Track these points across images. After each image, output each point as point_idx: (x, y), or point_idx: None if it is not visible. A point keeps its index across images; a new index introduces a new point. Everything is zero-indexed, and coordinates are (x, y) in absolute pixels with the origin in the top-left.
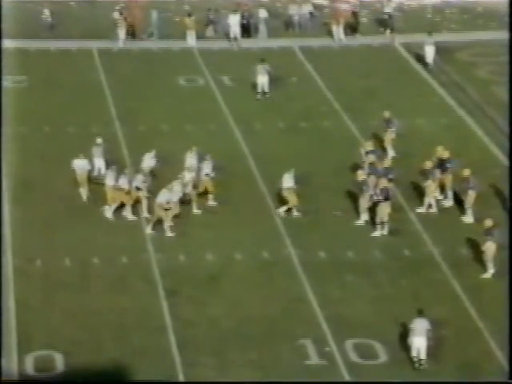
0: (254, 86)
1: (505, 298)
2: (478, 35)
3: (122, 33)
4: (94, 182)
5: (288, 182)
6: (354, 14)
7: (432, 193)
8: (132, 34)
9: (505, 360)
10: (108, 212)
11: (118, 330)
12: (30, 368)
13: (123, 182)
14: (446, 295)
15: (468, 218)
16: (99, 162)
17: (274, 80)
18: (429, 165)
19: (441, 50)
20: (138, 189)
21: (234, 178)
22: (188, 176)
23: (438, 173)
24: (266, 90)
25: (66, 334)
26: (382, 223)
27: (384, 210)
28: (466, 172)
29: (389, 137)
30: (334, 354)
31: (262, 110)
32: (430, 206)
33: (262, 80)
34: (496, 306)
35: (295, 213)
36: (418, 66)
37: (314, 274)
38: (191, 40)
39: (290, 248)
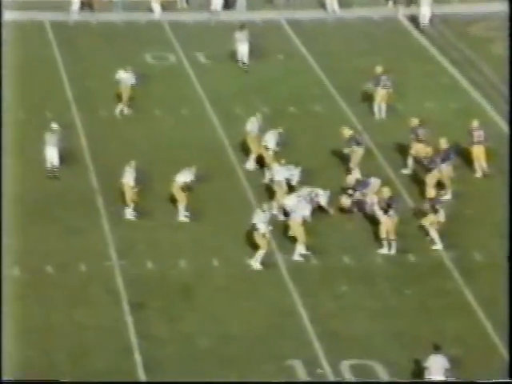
0: (234, 62)
1: None
2: (494, 7)
3: (76, 3)
4: (49, 176)
5: (279, 174)
6: None
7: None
8: (89, 4)
9: None
10: (129, 214)
11: (75, 349)
12: None
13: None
14: (458, 307)
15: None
16: (52, 152)
17: (256, 58)
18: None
19: (452, 23)
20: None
21: (211, 172)
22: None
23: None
24: (246, 60)
25: (15, 355)
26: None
27: (387, 225)
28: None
29: (379, 95)
30: (327, 376)
31: (243, 93)
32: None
33: (242, 49)
34: None
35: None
36: (425, 42)
37: (305, 283)
38: (157, 11)
39: (277, 253)
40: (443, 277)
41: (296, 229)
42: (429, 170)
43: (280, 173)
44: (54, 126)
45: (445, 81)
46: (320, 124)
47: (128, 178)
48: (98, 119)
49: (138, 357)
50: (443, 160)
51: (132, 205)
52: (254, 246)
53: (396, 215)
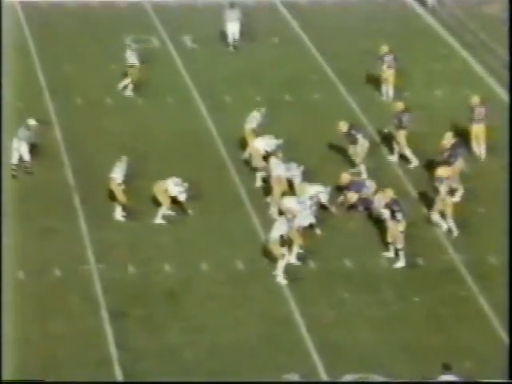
0: (223, 45)
1: None
2: None
3: None
4: (14, 174)
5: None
6: None
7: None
8: None
9: None
10: (119, 214)
11: (49, 362)
12: None
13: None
14: (472, 316)
15: None
16: (22, 147)
17: (249, 41)
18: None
19: (464, 2)
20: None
21: (199, 166)
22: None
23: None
24: (236, 37)
25: None
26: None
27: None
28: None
29: (385, 76)
30: None
31: (234, 79)
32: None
33: (233, 28)
34: None
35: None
36: (434, 23)
37: (302, 289)
38: None
39: (271, 255)
40: (455, 282)
41: (291, 231)
42: (447, 164)
43: (278, 167)
44: (32, 122)
45: (456, 65)
46: (319, 113)
47: (117, 174)
48: (75, 108)
49: (117, 370)
50: (451, 154)
51: (121, 204)
52: (247, 248)
53: (404, 220)
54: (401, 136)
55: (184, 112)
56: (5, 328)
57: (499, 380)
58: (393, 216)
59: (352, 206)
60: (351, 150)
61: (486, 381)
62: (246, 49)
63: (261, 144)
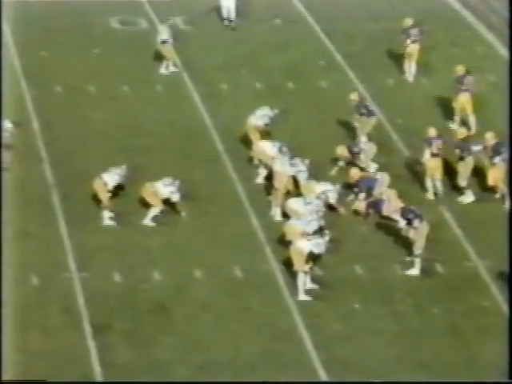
0: (219, 27)
1: None
2: None
3: None
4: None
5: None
6: None
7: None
8: None
9: None
10: (108, 218)
11: (26, 381)
12: None
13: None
14: (497, 329)
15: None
16: None
17: (247, 23)
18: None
19: None
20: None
21: (192, 161)
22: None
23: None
24: (233, 17)
25: None
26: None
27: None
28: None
29: (409, 51)
30: None
31: (231, 65)
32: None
33: (228, 3)
34: None
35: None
36: (456, 4)
37: (307, 299)
38: None
39: (272, 261)
40: (478, 292)
41: (292, 235)
42: (461, 158)
43: (282, 163)
44: (8, 124)
45: (479, 50)
46: (326, 103)
47: (110, 180)
48: (54, 97)
49: None
50: (494, 154)
51: (108, 207)
52: (246, 253)
53: (423, 224)
54: (462, 100)
55: (175, 101)
56: None
57: (499, 380)
58: (409, 224)
59: (364, 214)
60: (357, 121)
61: (485, 381)
62: (244, 30)
63: (268, 144)
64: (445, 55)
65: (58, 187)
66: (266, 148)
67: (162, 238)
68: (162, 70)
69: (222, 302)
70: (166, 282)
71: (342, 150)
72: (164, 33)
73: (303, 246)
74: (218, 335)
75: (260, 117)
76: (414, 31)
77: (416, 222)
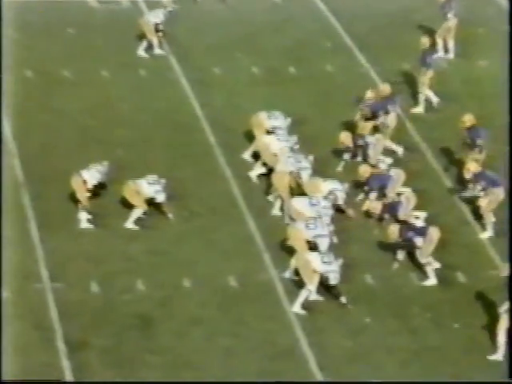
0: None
1: None
2: None
3: None
4: None
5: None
6: None
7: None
8: None
9: None
10: (85, 221)
11: None
12: None
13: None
14: None
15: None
16: None
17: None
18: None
19: None
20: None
21: (180, 156)
22: None
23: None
24: None
25: None
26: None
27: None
28: None
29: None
30: None
31: (223, 46)
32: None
33: None
34: None
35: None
36: None
37: (311, 313)
38: None
39: (271, 270)
40: (503, 304)
41: (295, 240)
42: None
43: (286, 160)
44: None
45: (504, 28)
46: (332, 90)
47: (91, 178)
48: (24, 83)
49: None
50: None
51: (86, 208)
52: (241, 261)
53: (431, 237)
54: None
55: (161, 87)
56: None
57: (499, 380)
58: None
59: (378, 217)
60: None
61: (486, 381)
62: (239, 8)
63: (273, 140)
64: (468, 37)
65: (29, 185)
66: (271, 144)
67: (146, 243)
68: (140, 52)
69: (213, 316)
70: (150, 293)
71: (345, 138)
72: (160, 16)
73: (315, 264)
74: (209, 353)
75: (271, 116)
76: (456, 4)
77: (419, 242)
